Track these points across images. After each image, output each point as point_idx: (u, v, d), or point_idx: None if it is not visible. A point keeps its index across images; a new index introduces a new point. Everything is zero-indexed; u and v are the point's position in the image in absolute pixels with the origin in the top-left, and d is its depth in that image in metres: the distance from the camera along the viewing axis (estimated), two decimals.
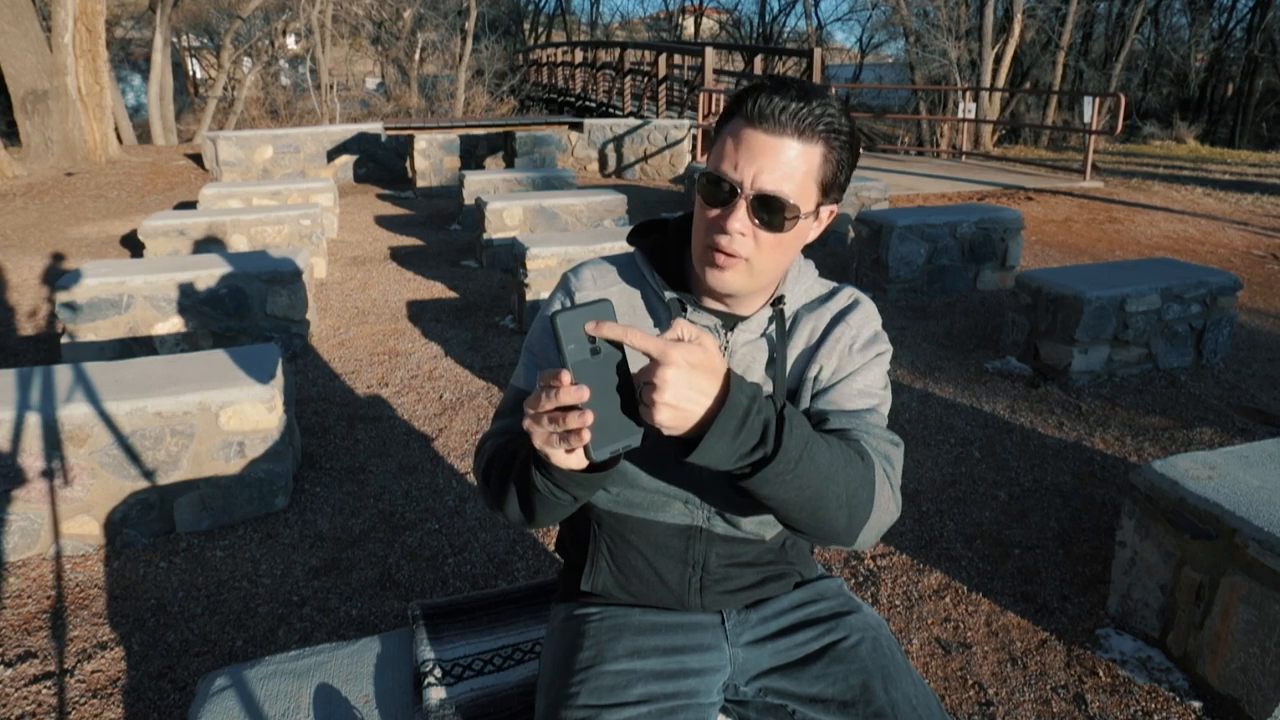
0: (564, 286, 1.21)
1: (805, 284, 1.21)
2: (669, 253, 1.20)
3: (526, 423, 0.91)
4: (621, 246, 4.63)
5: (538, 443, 0.91)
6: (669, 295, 1.15)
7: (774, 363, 1.16)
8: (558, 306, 1.17)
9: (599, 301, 0.88)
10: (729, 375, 0.91)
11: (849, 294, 1.23)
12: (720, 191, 1.05)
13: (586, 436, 0.87)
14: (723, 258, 1.06)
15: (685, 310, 1.15)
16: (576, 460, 0.91)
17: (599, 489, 1.04)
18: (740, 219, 1.04)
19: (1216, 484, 2.08)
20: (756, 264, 1.07)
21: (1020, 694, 2.08)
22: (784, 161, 1.03)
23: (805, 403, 1.18)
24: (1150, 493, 2.18)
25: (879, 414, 1.17)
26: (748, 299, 1.15)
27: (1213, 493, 2.04)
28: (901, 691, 1.16)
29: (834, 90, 13.17)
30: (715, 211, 1.06)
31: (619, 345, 0.89)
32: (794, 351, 1.18)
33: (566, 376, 0.87)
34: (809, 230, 1.11)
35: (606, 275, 1.21)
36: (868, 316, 1.21)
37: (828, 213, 1.12)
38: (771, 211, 1.04)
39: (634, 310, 1.19)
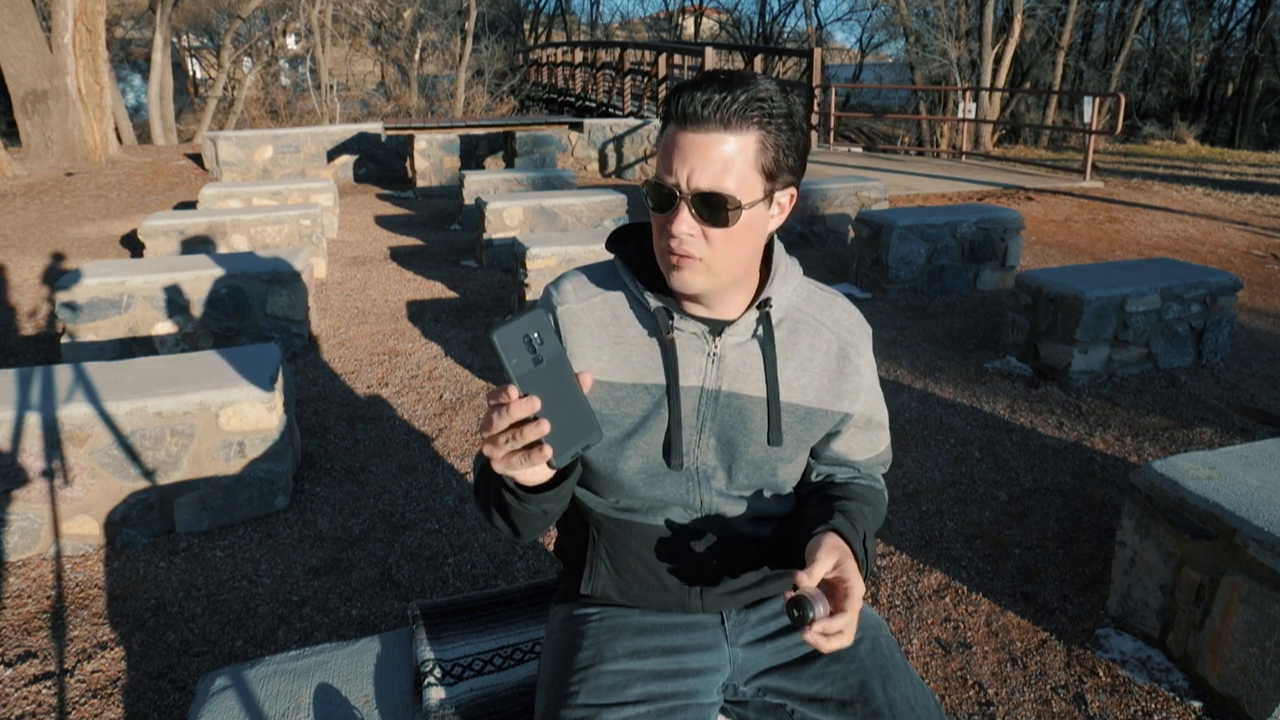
0: (545, 301, 1.19)
1: (793, 284, 1.19)
2: (648, 258, 1.17)
3: (485, 448, 0.92)
4: None
5: (498, 467, 0.92)
6: (654, 304, 1.14)
7: (767, 367, 1.16)
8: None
9: (534, 312, 0.88)
10: (852, 547, 1.07)
11: (845, 309, 1.23)
12: (663, 196, 1.05)
13: (548, 451, 0.87)
14: (678, 259, 1.07)
15: (672, 318, 1.14)
16: (543, 474, 0.91)
17: (567, 498, 1.05)
18: (684, 220, 1.04)
19: (1216, 484, 2.08)
20: (713, 262, 1.07)
21: (1020, 694, 2.08)
22: (716, 156, 1.02)
23: (827, 427, 1.21)
24: (1150, 493, 2.18)
25: (887, 441, 1.32)
26: (729, 300, 1.14)
27: (1213, 493, 2.04)
28: (900, 691, 1.16)
29: (834, 90, 13.16)
30: (663, 217, 1.07)
31: (561, 348, 0.89)
32: (790, 362, 1.17)
33: (514, 391, 0.86)
34: (764, 219, 1.09)
35: (587, 286, 1.18)
36: (867, 336, 1.24)
37: (787, 197, 1.11)
38: (713, 208, 1.03)
39: (618, 319, 1.16)
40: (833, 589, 1.01)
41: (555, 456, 0.88)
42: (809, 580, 0.99)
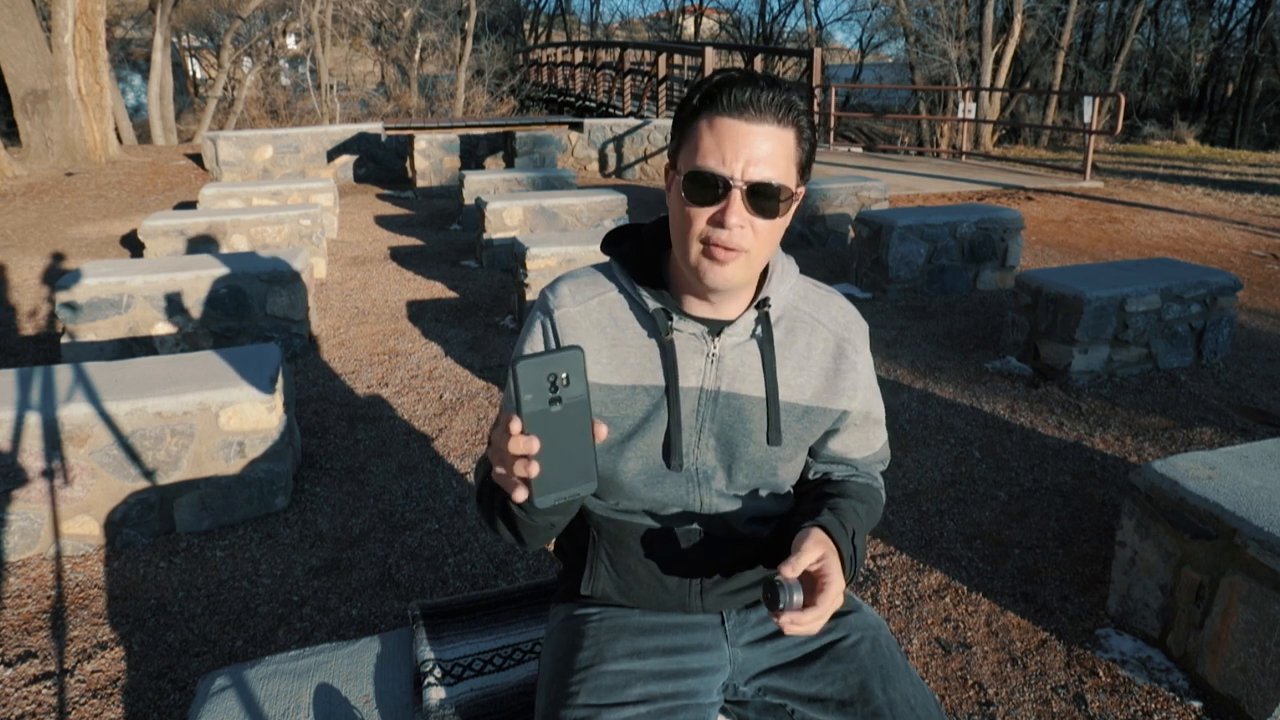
0: (542, 305, 1.19)
1: (790, 283, 1.20)
2: (646, 259, 1.17)
3: (490, 452, 0.93)
4: None
5: (496, 479, 0.93)
6: (653, 306, 1.14)
7: (765, 367, 1.17)
8: (535, 347, 1.17)
9: (570, 349, 0.86)
10: (838, 544, 1.08)
11: (841, 307, 1.23)
12: (711, 188, 1.04)
13: (521, 494, 0.88)
14: (723, 253, 1.05)
15: (671, 320, 1.14)
16: (525, 498, 0.91)
17: (574, 511, 1.07)
18: (738, 212, 1.03)
19: (1216, 484, 2.08)
20: (754, 253, 1.07)
21: (1020, 694, 2.08)
22: (769, 148, 1.03)
23: (825, 425, 1.22)
24: (1150, 493, 2.18)
25: (884, 438, 1.32)
26: (732, 300, 1.14)
27: (1213, 493, 2.04)
28: (900, 691, 1.16)
29: (834, 90, 13.16)
30: (709, 210, 1.04)
31: (585, 393, 0.87)
32: (788, 361, 1.18)
33: (517, 425, 0.85)
34: (790, 212, 1.12)
35: (585, 289, 1.18)
36: (863, 333, 1.24)
37: (800, 194, 1.13)
38: (766, 199, 1.04)
39: (616, 322, 1.16)
40: (812, 581, 1.03)
41: (538, 498, 0.87)
42: (790, 571, 1.01)
